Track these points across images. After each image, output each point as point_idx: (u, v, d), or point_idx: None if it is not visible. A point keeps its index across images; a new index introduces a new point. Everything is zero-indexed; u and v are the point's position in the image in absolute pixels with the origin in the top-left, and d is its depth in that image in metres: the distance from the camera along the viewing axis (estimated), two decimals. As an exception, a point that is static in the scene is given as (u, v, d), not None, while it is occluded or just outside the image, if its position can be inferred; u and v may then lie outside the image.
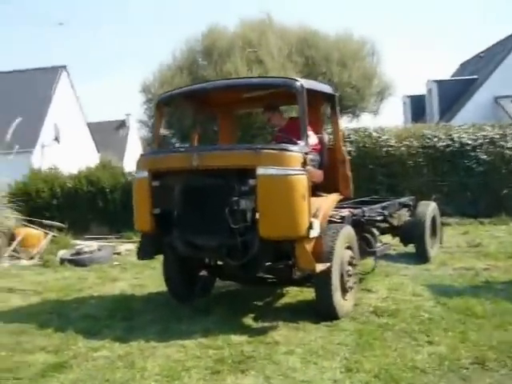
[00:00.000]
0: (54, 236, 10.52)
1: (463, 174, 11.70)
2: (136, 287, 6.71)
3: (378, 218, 6.59)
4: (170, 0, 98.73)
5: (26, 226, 10.39)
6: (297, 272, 4.93)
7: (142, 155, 5.61)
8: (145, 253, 5.54)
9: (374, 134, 12.03)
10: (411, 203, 7.89)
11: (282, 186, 4.49)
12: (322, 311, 4.91)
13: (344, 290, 4.97)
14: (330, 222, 5.14)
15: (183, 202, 5.01)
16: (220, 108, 6.50)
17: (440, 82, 26.40)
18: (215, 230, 4.74)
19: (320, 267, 4.57)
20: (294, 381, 3.63)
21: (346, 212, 5.63)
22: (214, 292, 6.11)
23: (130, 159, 17.80)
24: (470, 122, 12.99)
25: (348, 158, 5.77)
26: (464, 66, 30.85)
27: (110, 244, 10.23)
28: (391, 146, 11.88)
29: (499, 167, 11.66)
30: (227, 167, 4.71)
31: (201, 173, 4.86)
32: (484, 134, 11.93)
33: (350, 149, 11.26)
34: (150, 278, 7.15)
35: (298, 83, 4.94)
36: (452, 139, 11.87)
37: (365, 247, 5.92)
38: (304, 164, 4.58)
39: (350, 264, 5.12)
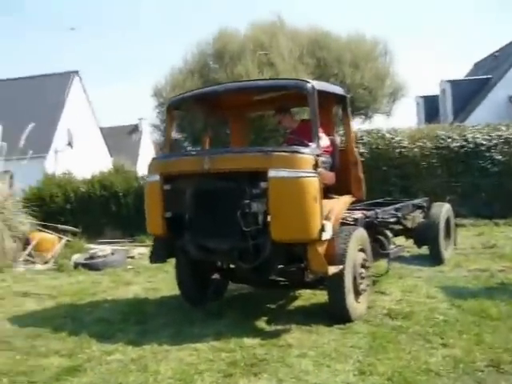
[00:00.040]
0: (68, 240, 10.59)
1: (478, 175, 11.60)
2: (149, 291, 6.73)
3: (392, 220, 6.54)
4: (182, 4, 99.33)
5: (40, 230, 10.47)
6: (309, 275, 4.89)
7: (153, 159, 5.61)
8: (157, 256, 5.55)
9: (387, 136, 11.98)
10: (425, 205, 7.82)
11: (293, 189, 4.46)
12: (334, 314, 4.88)
13: (357, 293, 4.94)
14: (343, 224, 5.11)
15: (195, 206, 5.01)
16: (231, 111, 6.49)
17: (454, 82, 26.18)
18: (227, 233, 4.73)
19: (332, 270, 4.54)
20: (306, 384, 3.61)
21: (358, 214, 5.60)
22: (226, 295, 6.11)
23: (143, 163, 17.87)
24: (484, 122, 12.88)
25: (360, 159, 5.73)
26: (478, 66, 30.60)
27: (124, 248, 10.30)
28: (404, 147, 11.82)
29: (514, 167, 11.51)
30: (239, 170, 4.70)
31: (212, 176, 4.86)
32: (499, 133, 11.82)
33: (362, 150, 11.25)
34: (163, 281, 7.17)
35: (309, 85, 4.92)
36: (466, 140, 11.77)
37: (378, 249, 5.87)
38: (315, 166, 4.55)
39: (363, 266, 5.09)
